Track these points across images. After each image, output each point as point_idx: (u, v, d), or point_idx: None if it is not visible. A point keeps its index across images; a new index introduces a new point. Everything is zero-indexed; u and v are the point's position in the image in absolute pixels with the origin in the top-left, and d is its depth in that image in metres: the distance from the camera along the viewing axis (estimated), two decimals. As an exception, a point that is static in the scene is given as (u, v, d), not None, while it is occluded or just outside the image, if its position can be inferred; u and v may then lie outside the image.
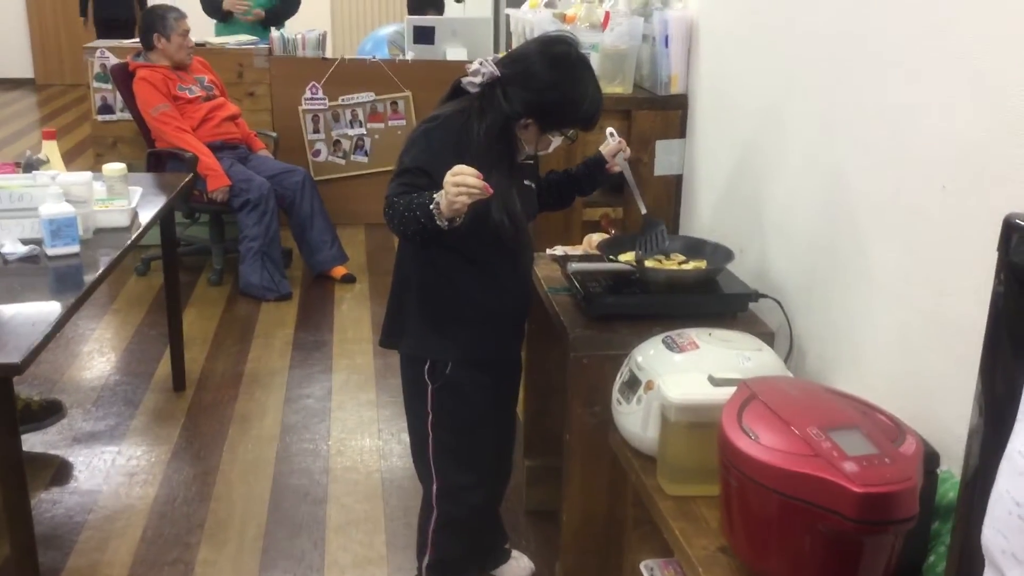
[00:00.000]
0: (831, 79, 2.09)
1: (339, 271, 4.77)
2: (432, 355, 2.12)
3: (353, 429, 3.32)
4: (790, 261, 2.31)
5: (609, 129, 2.32)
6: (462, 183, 1.80)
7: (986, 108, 1.56)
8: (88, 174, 2.77)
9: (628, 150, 2.29)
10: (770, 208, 2.42)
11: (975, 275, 1.60)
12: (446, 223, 1.87)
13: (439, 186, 1.87)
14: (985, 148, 1.56)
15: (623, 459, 1.96)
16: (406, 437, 3.15)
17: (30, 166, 2.90)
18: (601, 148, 2.30)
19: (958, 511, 1.08)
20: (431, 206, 1.87)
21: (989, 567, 0.94)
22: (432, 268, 2.10)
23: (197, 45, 5.20)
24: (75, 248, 2.53)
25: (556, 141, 2.07)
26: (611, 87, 2.99)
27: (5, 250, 2.49)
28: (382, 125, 5.62)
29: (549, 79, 1.97)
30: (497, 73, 1.98)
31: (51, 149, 2.99)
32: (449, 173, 1.83)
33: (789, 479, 1.38)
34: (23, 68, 10.43)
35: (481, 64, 2.00)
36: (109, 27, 8.28)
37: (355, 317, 4.34)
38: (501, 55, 2.09)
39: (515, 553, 2.58)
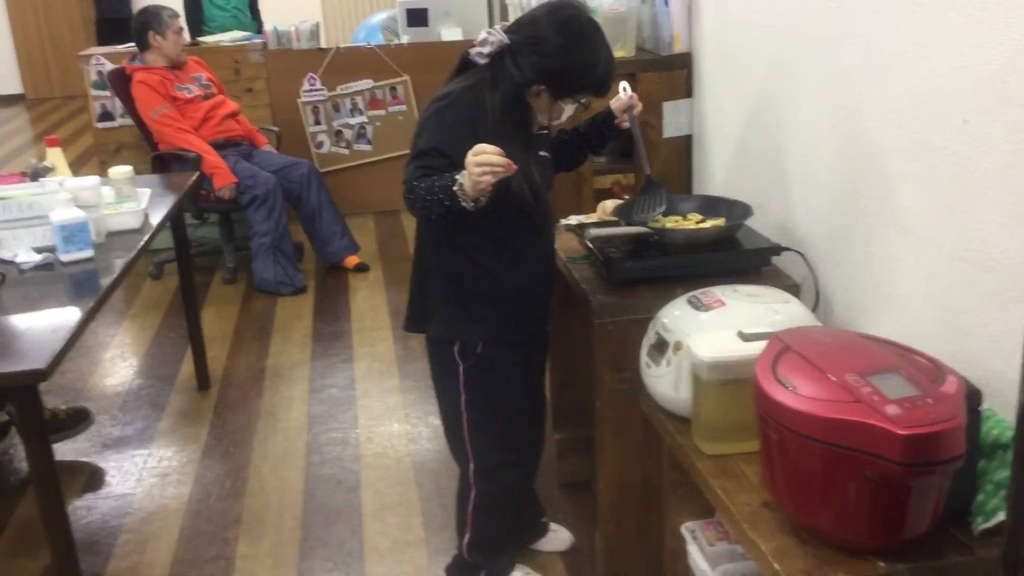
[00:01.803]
0: (838, 22, 2.05)
1: (352, 260, 4.76)
2: (461, 336, 2.10)
3: (380, 415, 3.32)
4: (810, 212, 2.28)
5: (623, 83, 2.28)
6: (485, 162, 1.78)
7: (1000, 35, 1.53)
8: (96, 178, 2.76)
9: (639, 106, 2.25)
10: (785, 160, 2.39)
11: (1003, 207, 1.57)
12: (471, 203, 1.85)
13: (457, 165, 1.85)
14: (1003, 76, 1.53)
15: (656, 422, 1.94)
16: (434, 420, 3.17)
17: (37, 174, 2.89)
18: (612, 102, 2.27)
19: (1016, 444, 1.05)
20: (454, 187, 1.84)
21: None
22: (454, 249, 2.07)
23: (191, 45, 5.19)
24: (89, 253, 2.52)
25: (569, 109, 2.04)
26: (613, 50, 2.93)
27: (19, 259, 2.49)
28: (383, 112, 5.59)
29: (560, 43, 1.94)
30: (506, 41, 1.95)
31: (56, 156, 2.98)
32: (470, 153, 1.80)
33: (831, 427, 1.36)
34: (11, 84, 10.35)
35: (490, 33, 1.97)
36: (110, 26, 8.28)
37: (372, 305, 4.34)
38: (508, 24, 2.05)
39: (553, 526, 2.57)
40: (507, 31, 1.97)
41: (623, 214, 2.37)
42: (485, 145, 1.80)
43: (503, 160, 1.78)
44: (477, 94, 1.97)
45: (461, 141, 1.84)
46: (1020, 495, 1.05)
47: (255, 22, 6.49)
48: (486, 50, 1.96)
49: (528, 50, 1.94)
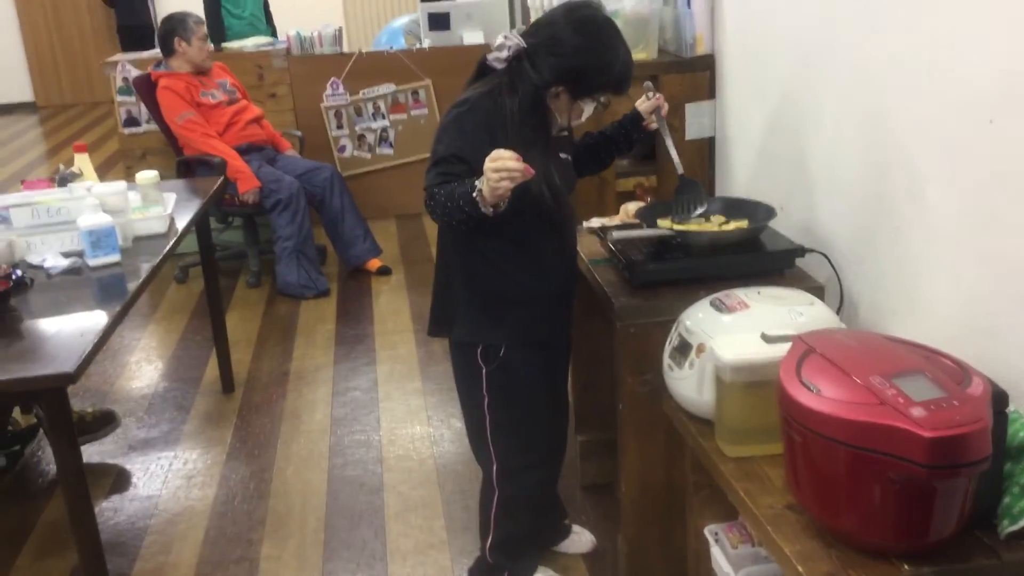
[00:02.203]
0: (862, 23, 2.04)
1: (374, 264, 4.78)
2: (485, 340, 2.11)
3: (402, 418, 3.33)
4: (834, 213, 2.27)
5: (647, 83, 2.28)
6: (502, 167, 1.78)
7: (1031, 35, 1.51)
8: (122, 183, 2.79)
9: (666, 106, 2.26)
10: (809, 161, 2.38)
11: (1030, 208, 1.55)
12: (491, 209, 1.86)
13: (476, 171, 1.85)
14: (1032, 77, 1.52)
15: (679, 424, 1.94)
16: (456, 423, 3.18)
17: (64, 180, 2.93)
18: (637, 104, 2.28)
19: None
20: (473, 194, 1.85)
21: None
22: (476, 254, 2.08)
23: (215, 51, 5.24)
24: (116, 257, 2.55)
25: (588, 109, 2.04)
26: (635, 53, 2.92)
27: (47, 264, 2.52)
28: (405, 116, 5.61)
29: (577, 43, 1.94)
30: (523, 44, 1.96)
31: (83, 162, 3.02)
32: (488, 159, 1.81)
33: (855, 429, 1.36)
34: (22, 91, 10.38)
35: (506, 38, 1.98)
36: (132, 35, 8.37)
37: (394, 308, 4.35)
38: (525, 27, 2.06)
39: (576, 528, 2.57)
40: (524, 35, 1.98)
41: (646, 216, 2.37)
42: (502, 151, 1.80)
43: (520, 165, 1.78)
44: (496, 99, 1.97)
45: (480, 146, 1.85)
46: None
47: (269, 27, 6.54)
48: (503, 55, 1.97)
49: (546, 52, 1.94)
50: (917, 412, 1.32)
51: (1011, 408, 1.47)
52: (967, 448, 1.31)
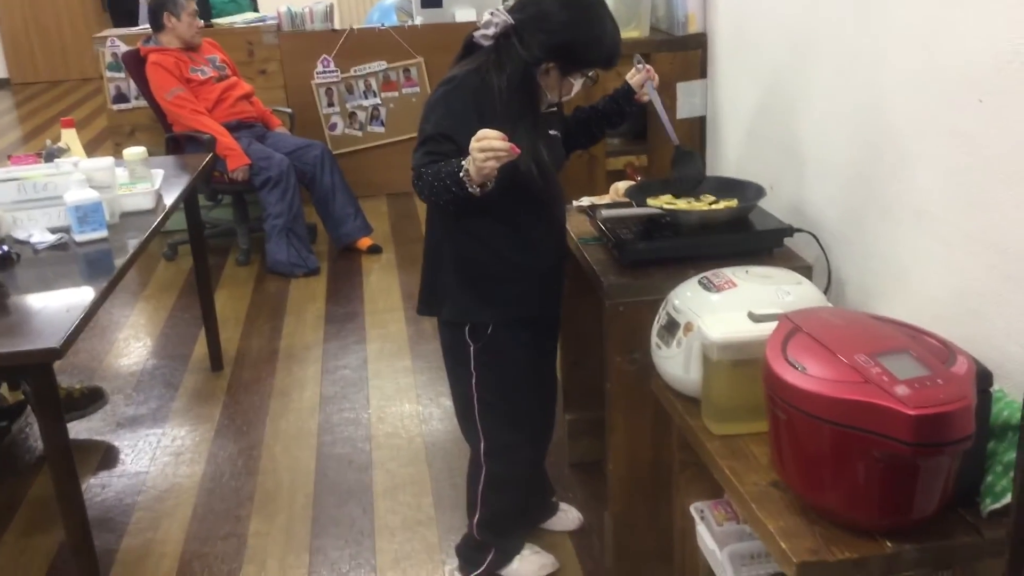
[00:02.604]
0: (853, 2, 2.03)
1: (365, 242, 4.77)
2: (473, 318, 2.11)
3: (392, 396, 3.33)
4: (823, 193, 2.27)
5: (637, 56, 2.28)
6: (488, 147, 1.77)
7: (1017, 14, 1.51)
8: (110, 159, 2.77)
9: (656, 78, 2.25)
10: (799, 141, 2.37)
11: (1016, 190, 1.55)
12: (477, 189, 1.85)
13: (463, 150, 1.85)
14: (1020, 56, 1.51)
15: (666, 403, 1.94)
16: (445, 401, 3.18)
17: (51, 155, 2.90)
18: (628, 77, 2.27)
19: (1023, 425, 1.05)
20: (460, 174, 1.84)
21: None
22: (465, 233, 2.08)
23: (205, 27, 5.19)
24: (103, 233, 2.54)
25: (577, 85, 2.03)
26: (627, 31, 2.93)
27: (34, 239, 2.50)
28: (396, 93, 5.58)
29: (566, 19, 1.93)
30: (511, 21, 1.94)
31: (70, 137, 2.99)
32: (473, 139, 1.80)
33: (840, 407, 1.36)
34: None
35: (493, 15, 1.96)
36: (121, 10, 8.27)
37: (384, 287, 4.35)
38: (511, 3, 2.04)
39: (563, 506, 2.58)
40: (511, 11, 1.96)
41: (636, 195, 2.36)
42: (488, 130, 1.79)
43: (506, 144, 1.78)
44: (483, 76, 1.96)
45: (467, 125, 1.84)
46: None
47: (252, 1, 6.46)
48: (491, 31, 1.96)
49: (534, 28, 1.93)
50: (901, 390, 1.33)
51: (995, 387, 1.48)
52: (950, 426, 1.32)
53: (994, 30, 1.58)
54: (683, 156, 2.34)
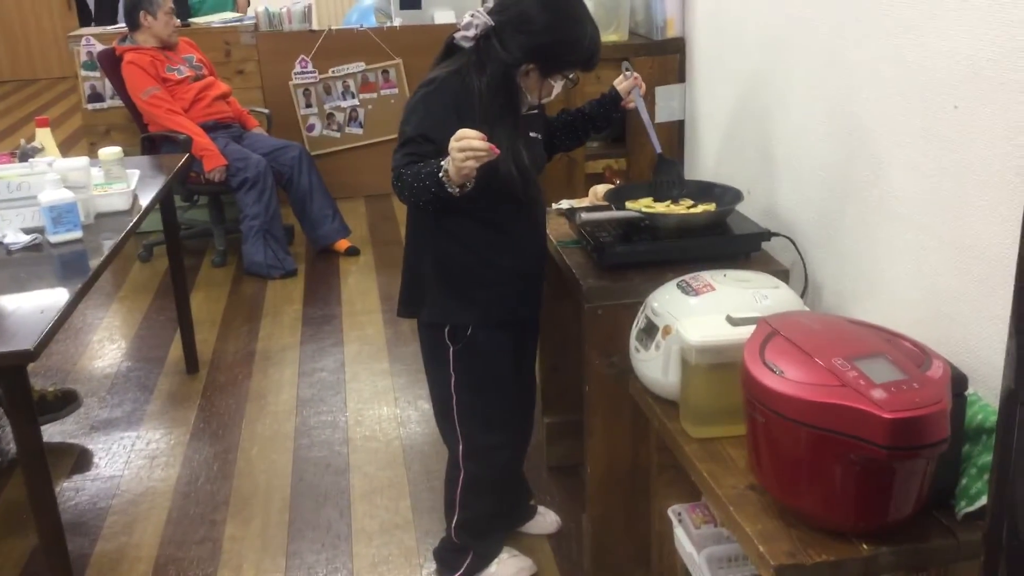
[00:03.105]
0: (831, 7, 2.05)
1: (343, 244, 4.75)
2: (453, 319, 2.10)
3: (369, 399, 3.32)
4: (800, 197, 2.28)
5: (626, 64, 2.29)
6: (467, 147, 1.77)
7: (992, 20, 1.53)
8: (85, 159, 2.74)
9: (643, 86, 2.27)
10: (776, 145, 2.39)
11: (990, 195, 1.57)
12: (457, 189, 1.85)
13: (444, 151, 1.84)
14: (995, 62, 1.53)
15: (644, 406, 1.95)
16: (423, 404, 3.17)
17: (25, 155, 2.87)
18: (615, 83, 2.28)
19: (998, 429, 1.06)
20: (439, 174, 1.84)
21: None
22: (445, 234, 2.07)
23: (182, 26, 5.15)
24: (78, 234, 2.51)
25: (558, 87, 2.04)
26: (606, 35, 2.94)
27: (7, 240, 2.47)
28: (375, 95, 5.57)
29: (546, 20, 1.93)
30: (491, 22, 1.95)
31: (45, 136, 2.96)
32: (453, 139, 1.80)
33: (817, 411, 1.37)
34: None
35: (473, 16, 1.97)
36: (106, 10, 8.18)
37: (362, 289, 4.33)
38: (491, 4, 2.04)
39: (541, 509, 2.58)
40: (491, 12, 1.97)
41: (614, 198, 2.37)
42: (467, 130, 1.79)
43: (485, 144, 1.78)
44: (464, 78, 1.96)
45: (448, 126, 1.84)
46: (1002, 480, 1.05)
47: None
48: (471, 33, 1.96)
49: (514, 30, 1.93)
50: (877, 394, 1.34)
51: (970, 391, 1.49)
52: (926, 430, 1.33)
53: (966, 38, 1.59)
54: (664, 164, 2.35)
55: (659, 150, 2.31)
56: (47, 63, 9.96)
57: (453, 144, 1.79)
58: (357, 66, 5.49)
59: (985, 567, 1.10)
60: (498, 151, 1.80)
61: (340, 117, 5.58)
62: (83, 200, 2.59)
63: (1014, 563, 1.03)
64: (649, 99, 2.97)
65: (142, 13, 4.46)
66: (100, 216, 2.70)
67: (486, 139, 1.79)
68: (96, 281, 2.38)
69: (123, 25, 4.77)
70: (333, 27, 5.62)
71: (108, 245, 2.50)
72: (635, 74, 2.27)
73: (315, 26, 5.65)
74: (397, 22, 5.57)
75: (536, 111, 2.13)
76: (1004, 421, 1.04)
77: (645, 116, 2.27)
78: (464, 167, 1.79)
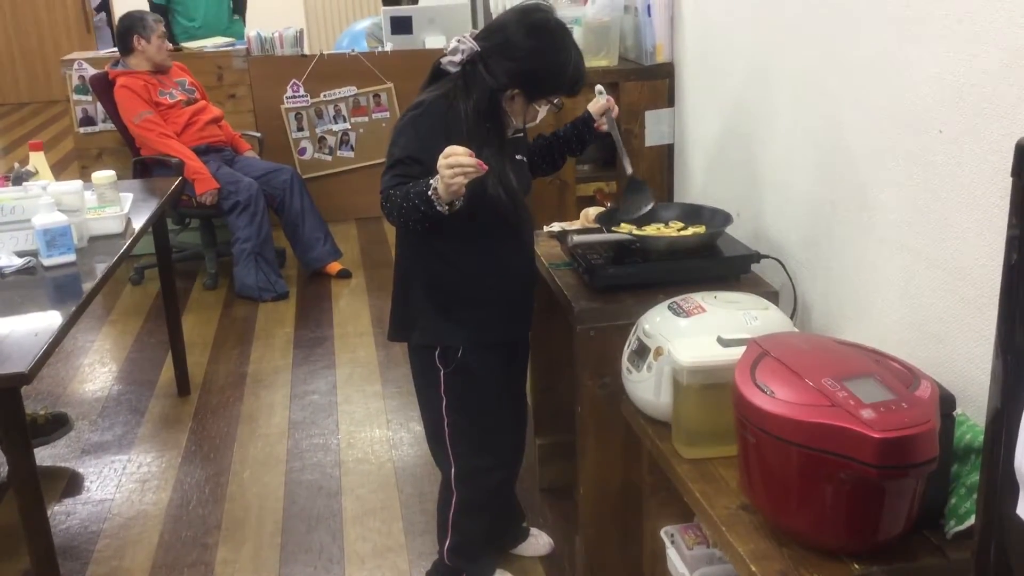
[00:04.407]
0: (817, 33, 2.08)
1: (334, 267, 4.76)
2: (443, 341, 2.12)
3: (361, 421, 3.32)
4: (789, 220, 2.31)
5: (598, 87, 2.32)
6: (456, 163, 1.80)
7: (978, 48, 1.56)
8: (79, 183, 2.76)
9: (616, 109, 2.30)
10: (765, 169, 2.42)
11: (976, 216, 1.60)
12: (446, 207, 1.87)
13: (432, 173, 1.86)
14: (979, 87, 1.56)
15: (637, 427, 1.96)
16: (415, 426, 3.18)
17: (19, 178, 2.88)
18: (590, 106, 2.31)
19: (985, 449, 1.08)
20: (429, 192, 1.86)
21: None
22: (435, 256, 2.09)
23: (174, 50, 5.18)
24: (71, 257, 2.52)
25: (543, 111, 2.07)
26: (596, 60, 2.98)
27: (1, 263, 2.48)
28: (366, 119, 5.60)
29: (531, 47, 1.96)
30: (477, 48, 1.97)
31: (39, 160, 2.98)
32: (441, 156, 1.82)
33: (807, 431, 1.38)
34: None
35: (459, 41, 2.00)
36: None
37: (354, 311, 4.34)
38: (478, 31, 2.07)
39: (534, 531, 2.58)
40: (476, 38, 2.00)
41: (606, 220, 2.39)
42: (455, 147, 1.82)
43: (473, 160, 1.80)
44: (451, 102, 1.99)
45: (436, 149, 1.86)
46: (989, 499, 1.07)
47: (239, 18, 6.43)
48: (457, 58, 1.99)
49: (500, 55, 1.96)
50: (867, 414, 1.35)
51: (958, 411, 1.51)
52: (915, 449, 1.34)
53: (951, 64, 1.63)
54: (634, 185, 2.36)
55: (630, 171, 2.33)
56: (34, 87, 9.99)
57: (441, 161, 1.81)
58: (349, 90, 5.52)
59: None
60: (486, 167, 1.82)
61: (332, 141, 5.60)
62: (77, 223, 2.60)
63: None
64: (639, 123, 3.01)
65: (135, 37, 4.48)
66: (93, 239, 2.71)
67: (474, 155, 1.81)
68: (89, 304, 2.38)
69: (116, 49, 4.79)
70: (325, 52, 5.65)
71: (101, 268, 2.51)
72: (608, 97, 2.30)
73: (307, 50, 5.68)
74: (388, 47, 5.61)
75: (521, 135, 2.16)
76: (991, 440, 1.05)
77: (617, 138, 2.30)
78: (453, 183, 1.80)
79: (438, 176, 1.83)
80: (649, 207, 2.34)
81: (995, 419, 1.04)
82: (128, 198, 2.98)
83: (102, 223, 2.76)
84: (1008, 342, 1.01)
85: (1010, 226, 0.97)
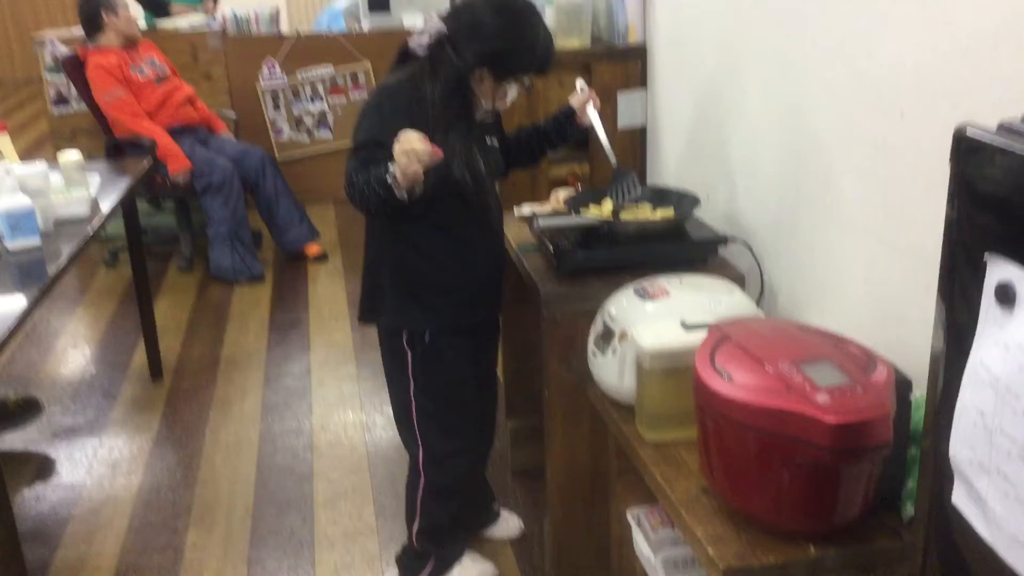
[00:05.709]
0: (785, 16, 2.07)
1: (314, 249, 4.73)
2: (410, 325, 2.11)
3: (335, 404, 3.31)
4: (756, 203, 2.31)
5: (579, 81, 2.30)
6: (409, 149, 1.77)
7: (939, 30, 1.55)
8: (43, 164, 2.72)
9: (597, 101, 2.28)
10: (734, 151, 2.41)
11: (933, 201, 1.59)
12: (405, 194, 1.85)
13: None
14: (940, 71, 1.56)
15: (602, 410, 1.96)
16: (389, 409, 3.15)
17: (-17, 161, 2.84)
18: (570, 99, 2.29)
19: (926, 433, 1.08)
20: (387, 178, 1.84)
21: (958, 479, 0.95)
22: (402, 240, 2.08)
23: (149, 29, 5.12)
24: (36, 241, 2.49)
25: (512, 92, 2.04)
26: (568, 41, 2.96)
27: (-36, 247, 2.45)
28: (344, 98, 5.56)
29: (498, 26, 1.94)
30: (444, 29, 1.95)
31: (3, 141, 2.93)
32: (396, 143, 1.79)
33: (764, 415, 1.39)
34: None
35: (426, 22, 1.98)
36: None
37: (330, 294, 4.32)
38: (444, 11, 2.05)
39: (504, 513, 2.59)
40: (444, 19, 1.98)
41: (575, 205, 2.38)
42: (410, 133, 1.79)
43: (427, 147, 1.77)
44: (417, 84, 1.97)
45: (400, 131, 1.84)
46: (933, 488, 1.07)
47: None
48: (425, 40, 1.97)
49: (467, 36, 1.94)
50: (822, 398, 1.36)
51: (915, 395, 1.52)
52: (869, 434, 1.35)
53: (912, 47, 1.62)
54: (621, 175, 2.35)
55: (614, 163, 2.32)
56: (11, 63, 9.85)
57: (396, 147, 1.79)
58: (326, 70, 5.48)
59: (923, 569, 1.12)
60: (441, 153, 1.80)
61: (309, 121, 5.56)
62: (42, 207, 2.57)
63: (946, 564, 1.05)
64: (612, 104, 2.99)
65: (103, 12, 4.42)
66: (60, 223, 2.68)
67: (427, 140, 1.78)
68: (54, 288, 2.36)
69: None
70: (302, 31, 5.60)
71: (67, 251, 2.48)
72: (590, 90, 2.28)
73: (286, 29, 5.63)
74: (366, 26, 5.56)
75: (491, 119, 2.14)
76: (933, 425, 1.06)
77: (601, 131, 2.27)
78: (408, 170, 1.79)
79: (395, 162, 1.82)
80: (638, 193, 2.34)
81: (937, 404, 1.05)
82: (96, 180, 2.94)
83: (68, 206, 2.73)
84: (951, 326, 1.02)
85: (948, 210, 0.97)
